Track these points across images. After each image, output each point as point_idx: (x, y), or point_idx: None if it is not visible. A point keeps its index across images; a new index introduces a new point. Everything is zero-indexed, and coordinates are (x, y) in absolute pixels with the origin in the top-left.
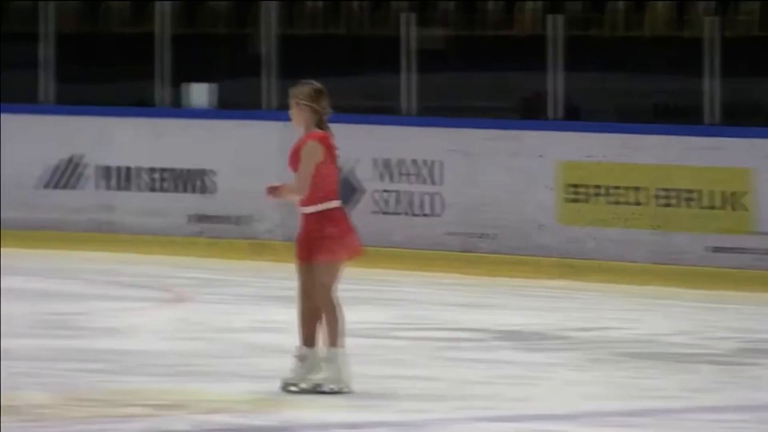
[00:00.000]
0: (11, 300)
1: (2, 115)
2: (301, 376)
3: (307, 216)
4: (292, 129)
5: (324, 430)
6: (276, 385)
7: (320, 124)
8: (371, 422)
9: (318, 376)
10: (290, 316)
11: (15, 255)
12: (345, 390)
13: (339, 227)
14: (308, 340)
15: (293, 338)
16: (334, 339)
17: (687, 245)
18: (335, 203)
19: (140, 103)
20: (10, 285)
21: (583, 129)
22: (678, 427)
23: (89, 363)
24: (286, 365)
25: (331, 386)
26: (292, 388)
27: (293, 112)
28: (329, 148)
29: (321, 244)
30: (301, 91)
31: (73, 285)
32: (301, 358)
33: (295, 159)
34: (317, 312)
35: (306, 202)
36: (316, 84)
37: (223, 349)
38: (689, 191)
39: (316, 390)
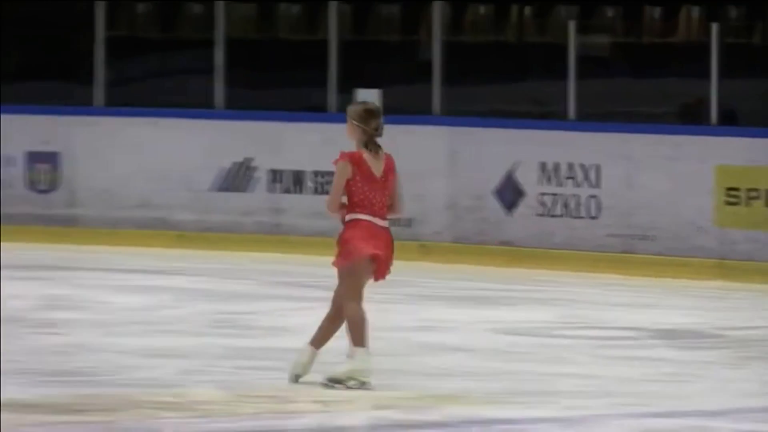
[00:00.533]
0: (185, 300)
1: (180, 120)
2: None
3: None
4: (460, 134)
5: (487, 425)
6: (440, 382)
7: (368, 143)
8: (532, 418)
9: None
10: (457, 315)
11: (189, 256)
12: (365, 387)
13: (359, 234)
14: (314, 340)
15: (458, 337)
16: (354, 339)
17: None
18: (362, 216)
19: (310, 109)
20: (184, 285)
21: (742, 134)
22: None
23: (258, 360)
24: (451, 362)
25: (352, 383)
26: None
27: (348, 129)
28: (360, 166)
29: (339, 248)
30: (354, 110)
31: (244, 285)
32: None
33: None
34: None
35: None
36: (370, 104)
37: (389, 347)
38: None
39: (333, 384)
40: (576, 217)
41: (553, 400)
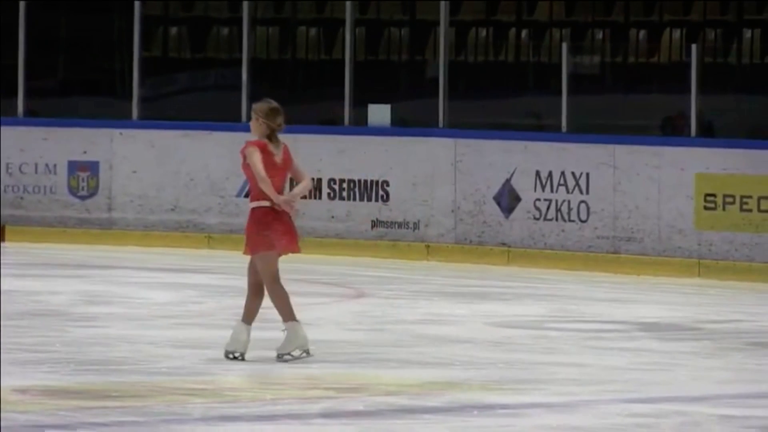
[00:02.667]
0: (212, 296)
1: (209, 132)
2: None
3: (252, 210)
4: (463, 145)
5: (487, 410)
6: (443, 371)
7: (271, 136)
8: (526, 403)
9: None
10: (459, 310)
11: (215, 256)
12: (303, 355)
13: (267, 225)
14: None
15: (458, 329)
16: (284, 316)
17: None
18: (265, 203)
19: (326, 122)
20: (211, 282)
21: (719, 145)
22: None
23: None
24: (453, 352)
25: (297, 352)
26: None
27: (252, 124)
28: (264, 154)
29: (251, 239)
30: (261, 108)
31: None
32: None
33: (244, 165)
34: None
35: (251, 199)
36: (274, 103)
37: (397, 339)
38: None
39: (285, 359)
40: (567, 221)
41: (546, 387)
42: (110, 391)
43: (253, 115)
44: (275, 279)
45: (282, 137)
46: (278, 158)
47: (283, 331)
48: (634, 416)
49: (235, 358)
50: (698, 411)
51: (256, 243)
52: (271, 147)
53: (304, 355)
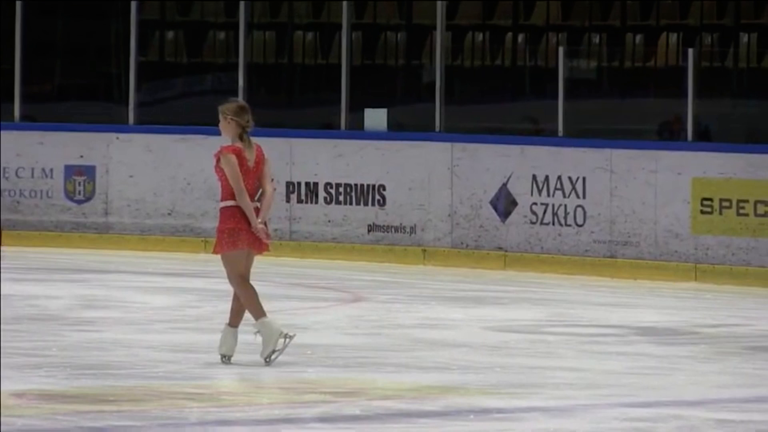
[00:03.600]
0: (208, 300)
1: (205, 137)
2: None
3: (221, 210)
4: (459, 149)
5: (485, 414)
6: (440, 375)
7: (242, 136)
8: (523, 407)
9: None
10: (455, 314)
11: (212, 260)
12: (287, 341)
13: (236, 224)
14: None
15: (456, 334)
16: (254, 314)
17: None
18: (233, 203)
19: (323, 126)
20: (207, 286)
21: (715, 149)
22: None
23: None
24: (450, 357)
25: (281, 342)
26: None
27: (222, 125)
28: (240, 159)
29: (220, 237)
30: (229, 107)
31: (261, 287)
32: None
33: (217, 167)
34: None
35: (221, 198)
36: (242, 102)
37: (394, 343)
38: None
39: (271, 358)
40: (564, 225)
41: (543, 391)
42: (107, 395)
43: (221, 116)
44: (242, 278)
45: (279, 141)
46: (251, 162)
47: (257, 333)
48: (632, 420)
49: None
50: (696, 415)
51: (221, 242)
52: (245, 151)
53: (288, 340)
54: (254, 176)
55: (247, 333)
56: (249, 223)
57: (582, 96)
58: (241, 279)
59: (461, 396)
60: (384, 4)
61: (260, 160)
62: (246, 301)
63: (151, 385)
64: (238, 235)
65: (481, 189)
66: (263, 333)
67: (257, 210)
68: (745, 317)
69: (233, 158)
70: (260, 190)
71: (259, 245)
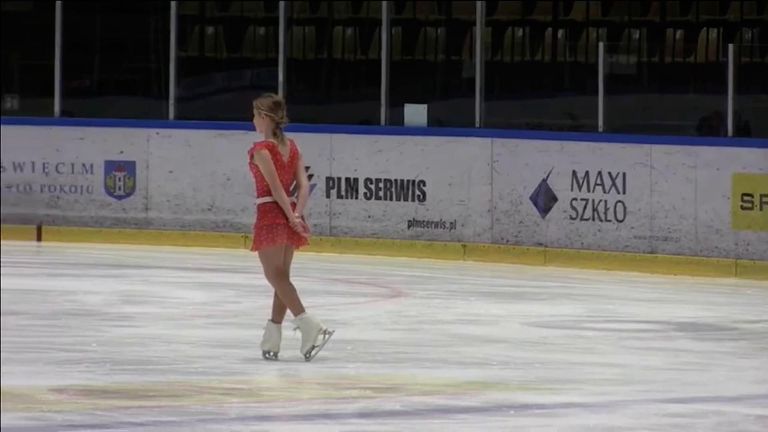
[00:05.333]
0: (248, 295)
1: (244, 132)
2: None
3: (258, 206)
4: (499, 145)
5: (524, 409)
6: (479, 370)
7: (276, 132)
8: (562, 403)
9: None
10: (495, 310)
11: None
12: (327, 337)
13: (273, 220)
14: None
15: (497, 329)
16: (294, 310)
17: None
18: (270, 198)
19: (362, 122)
20: (247, 282)
21: (755, 145)
22: None
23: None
24: (490, 352)
25: (321, 338)
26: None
27: (256, 120)
28: (274, 155)
29: (259, 234)
30: (263, 102)
31: (301, 282)
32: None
33: (251, 164)
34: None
35: (258, 195)
36: (276, 97)
37: (433, 338)
38: None
39: (312, 354)
40: (604, 221)
41: (582, 387)
42: (147, 390)
43: (256, 111)
44: (279, 274)
45: (319, 137)
46: (285, 157)
47: (296, 329)
48: (671, 416)
49: (270, 357)
50: (735, 411)
51: (260, 238)
52: (278, 147)
53: (327, 336)
54: (289, 171)
55: (287, 328)
56: (286, 218)
57: (622, 91)
58: (278, 275)
59: (501, 391)
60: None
61: (294, 156)
62: (284, 297)
63: (190, 381)
64: (277, 230)
65: (521, 184)
66: (302, 329)
67: (293, 204)
68: None
69: (267, 154)
70: (294, 184)
71: (297, 239)
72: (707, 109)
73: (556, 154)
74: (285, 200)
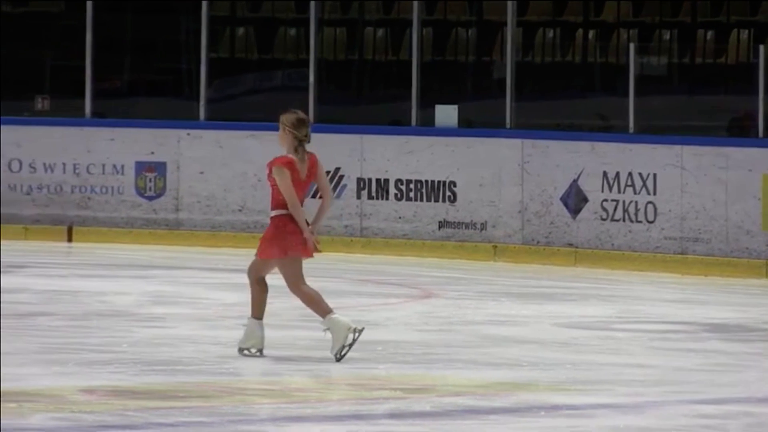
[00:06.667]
0: (278, 296)
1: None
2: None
3: (272, 218)
4: (530, 146)
5: (554, 410)
6: (510, 371)
7: (297, 148)
8: (593, 404)
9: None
10: (525, 310)
11: None
12: (357, 335)
13: (290, 229)
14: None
15: (527, 330)
16: (320, 312)
17: None
18: (286, 211)
19: (393, 122)
20: (277, 283)
21: None
22: None
23: None
24: (520, 353)
25: (350, 337)
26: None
27: (279, 134)
28: (292, 171)
29: (274, 241)
30: (288, 118)
31: (332, 283)
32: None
33: (270, 177)
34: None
35: (273, 207)
36: (301, 114)
37: (464, 339)
38: None
39: (343, 354)
40: (635, 222)
41: (612, 388)
42: (177, 391)
43: (281, 126)
44: (300, 282)
45: (349, 138)
46: (302, 174)
47: (326, 330)
48: (701, 417)
49: (252, 354)
50: (765, 412)
51: (271, 248)
52: (297, 164)
53: (357, 334)
54: (305, 187)
55: (314, 329)
56: (299, 230)
57: (652, 92)
58: (299, 282)
59: (531, 392)
60: (454, 0)
61: (312, 173)
62: (309, 303)
63: (220, 382)
64: (289, 241)
65: (551, 185)
66: (332, 329)
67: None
68: None
69: (286, 171)
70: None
71: (305, 251)
72: (738, 110)
73: (586, 155)
74: (301, 215)
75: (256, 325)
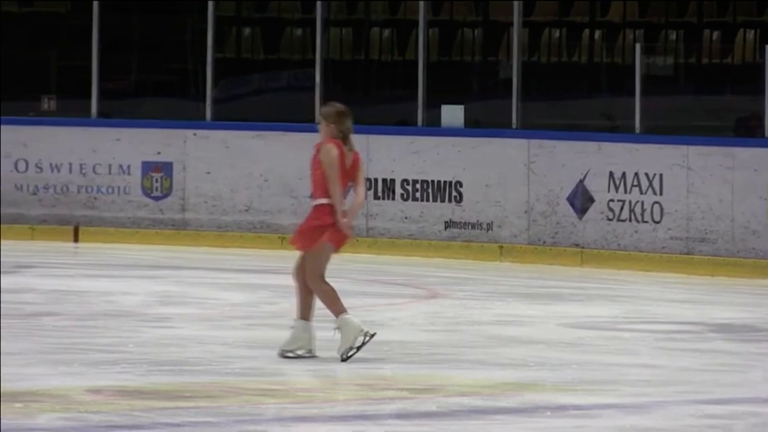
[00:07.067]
0: (285, 296)
1: (282, 133)
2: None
3: (315, 207)
4: (536, 146)
5: (560, 410)
6: (516, 371)
7: (344, 141)
8: (599, 404)
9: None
10: (532, 311)
11: (289, 257)
12: (367, 339)
13: (328, 221)
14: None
15: (533, 330)
16: (335, 311)
17: None
18: (327, 201)
19: (399, 123)
20: (284, 283)
21: None
22: None
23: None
24: (526, 353)
25: (360, 340)
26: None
27: (322, 129)
28: (340, 154)
29: (309, 232)
30: (328, 111)
31: (338, 283)
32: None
33: (315, 159)
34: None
35: (318, 195)
36: (340, 106)
37: (470, 339)
38: None
39: (349, 355)
40: (641, 222)
41: (618, 388)
42: (183, 391)
43: (323, 121)
44: (321, 276)
45: (355, 138)
46: (348, 161)
47: (336, 329)
48: (707, 417)
49: (297, 356)
50: None
51: (312, 237)
52: (344, 149)
53: (367, 338)
54: (347, 179)
55: (324, 329)
56: (336, 222)
57: (659, 93)
58: (320, 276)
59: (537, 393)
60: (461, 1)
61: (355, 166)
62: (324, 299)
63: (227, 382)
64: (324, 231)
65: (557, 186)
66: (343, 329)
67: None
68: None
69: (336, 151)
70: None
71: (339, 241)
72: (744, 110)
73: (592, 155)
74: (339, 197)
75: (305, 327)
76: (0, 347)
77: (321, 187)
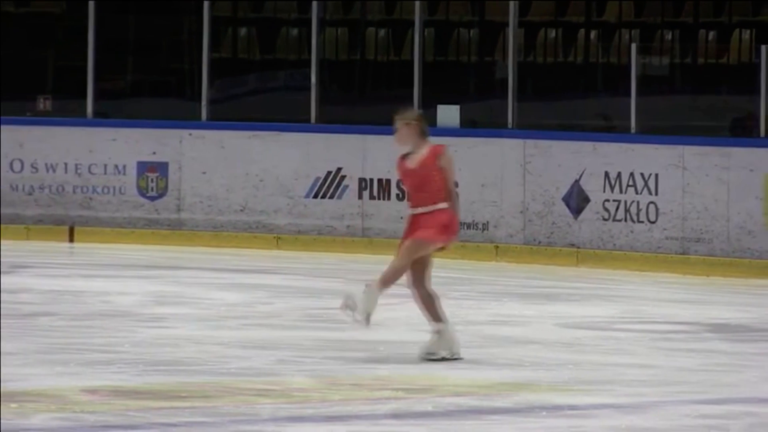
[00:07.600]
0: (280, 296)
1: (278, 133)
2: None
3: (440, 210)
4: (532, 146)
5: (556, 410)
6: (511, 371)
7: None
8: (595, 404)
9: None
10: (527, 311)
11: (284, 257)
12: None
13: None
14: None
15: (529, 330)
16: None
17: None
18: (446, 204)
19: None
20: (280, 283)
21: None
22: None
23: (348, 352)
24: (522, 353)
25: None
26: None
27: (402, 132)
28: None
29: (437, 228)
30: (411, 114)
31: (334, 283)
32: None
33: (434, 166)
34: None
35: (441, 199)
36: (416, 110)
37: (466, 339)
38: None
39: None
40: (636, 222)
41: (614, 388)
42: (179, 391)
43: (402, 124)
44: (408, 265)
45: (351, 138)
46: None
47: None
48: (704, 417)
49: (443, 359)
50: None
51: (440, 234)
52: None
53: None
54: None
55: (308, 329)
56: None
57: (654, 93)
58: (408, 265)
59: (533, 393)
60: (457, 1)
61: (422, 164)
62: (390, 277)
63: (222, 382)
64: (445, 231)
65: (553, 186)
66: (366, 300)
67: (424, 214)
68: None
69: (452, 156)
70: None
71: (446, 240)
72: (740, 110)
73: (588, 155)
74: (456, 200)
75: (445, 330)
76: (0, 348)
77: (443, 191)
